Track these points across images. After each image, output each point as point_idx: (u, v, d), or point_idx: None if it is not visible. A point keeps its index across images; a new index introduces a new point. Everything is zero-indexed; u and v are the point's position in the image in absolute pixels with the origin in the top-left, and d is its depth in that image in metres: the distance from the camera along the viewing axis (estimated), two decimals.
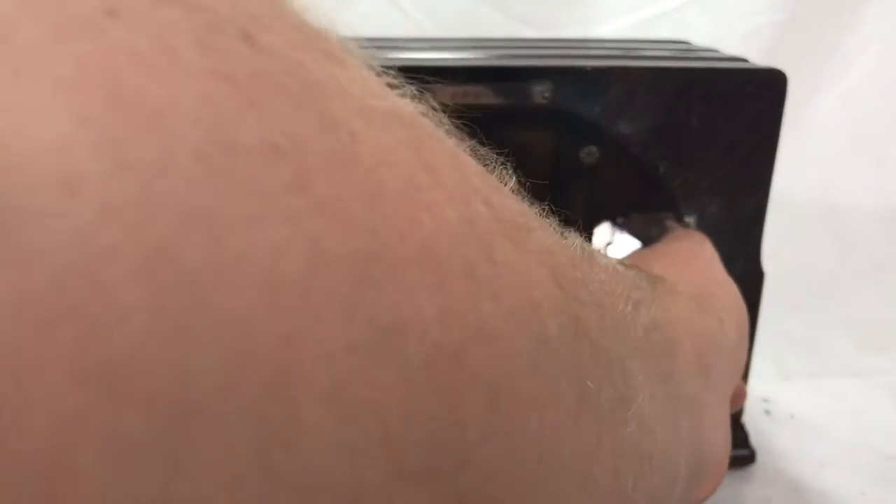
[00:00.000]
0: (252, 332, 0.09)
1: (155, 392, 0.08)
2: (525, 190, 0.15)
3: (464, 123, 0.15)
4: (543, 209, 0.16)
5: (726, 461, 0.25)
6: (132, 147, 0.08)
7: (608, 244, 0.34)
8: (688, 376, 0.21)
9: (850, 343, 0.47)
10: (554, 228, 0.16)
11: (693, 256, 0.29)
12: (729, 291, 0.27)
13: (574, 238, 0.16)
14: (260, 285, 0.09)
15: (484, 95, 0.29)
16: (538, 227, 0.15)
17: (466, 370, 0.11)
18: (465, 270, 0.11)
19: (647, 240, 0.33)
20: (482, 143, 0.15)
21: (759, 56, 0.35)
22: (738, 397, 0.28)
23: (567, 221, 0.16)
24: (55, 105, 0.08)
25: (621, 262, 0.21)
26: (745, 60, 0.33)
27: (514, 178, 0.15)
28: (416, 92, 0.14)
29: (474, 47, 0.36)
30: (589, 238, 0.33)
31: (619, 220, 0.33)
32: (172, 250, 0.08)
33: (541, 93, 0.29)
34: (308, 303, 0.09)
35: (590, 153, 0.31)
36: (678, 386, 0.20)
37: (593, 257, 0.17)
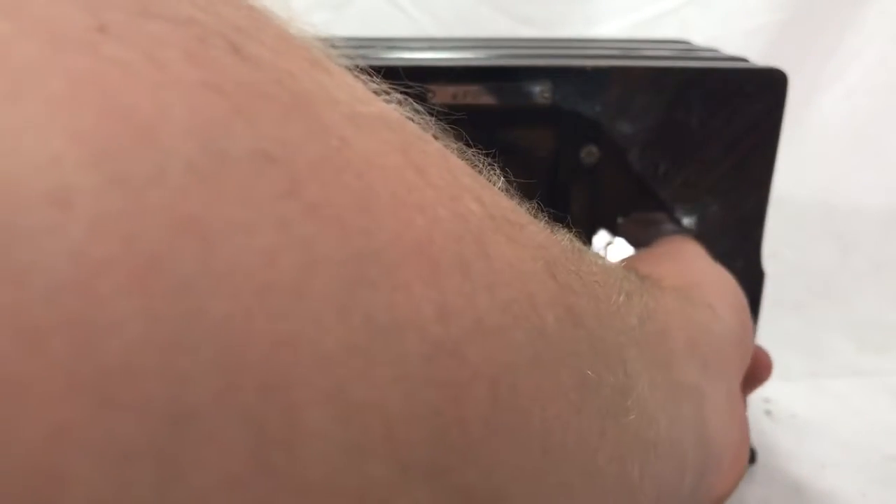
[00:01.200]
0: (247, 337, 0.09)
1: (149, 399, 0.08)
2: (517, 190, 0.15)
3: (455, 125, 0.15)
4: (533, 207, 0.16)
5: (745, 449, 0.24)
6: (124, 160, 0.08)
7: (608, 244, 0.34)
8: (685, 364, 0.21)
9: (851, 343, 0.47)
10: (544, 224, 0.16)
11: (675, 254, 0.29)
12: (717, 278, 0.27)
13: (563, 234, 0.17)
14: (254, 291, 0.09)
15: (484, 95, 0.29)
16: (529, 222, 0.15)
17: (467, 365, 0.11)
18: (460, 266, 0.12)
19: (645, 241, 0.33)
20: (469, 145, 0.15)
21: (759, 56, 0.35)
22: (763, 370, 0.28)
23: (562, 223, 0.17)
24: (48, 122, 0.08)
25: (607, 259, 0.21)
26: (745, 60, 0.33)
27: (501, 179, 0.15)
28: (400, 97, 0.14)
29: (474, 47, 0.36)
30: (589, 238, 0.33)
31: (620, 220, 0.33)
32: (165, 260, 0.08)
33: (541, 93, 0.29)
34: (303, 306, 0.09)
35: (590, 153, 0.31)
36: (677, 374, 0.20)
37: (582, 252, 0.17)
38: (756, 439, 0.37)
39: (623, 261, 0.29)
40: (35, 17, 0.09)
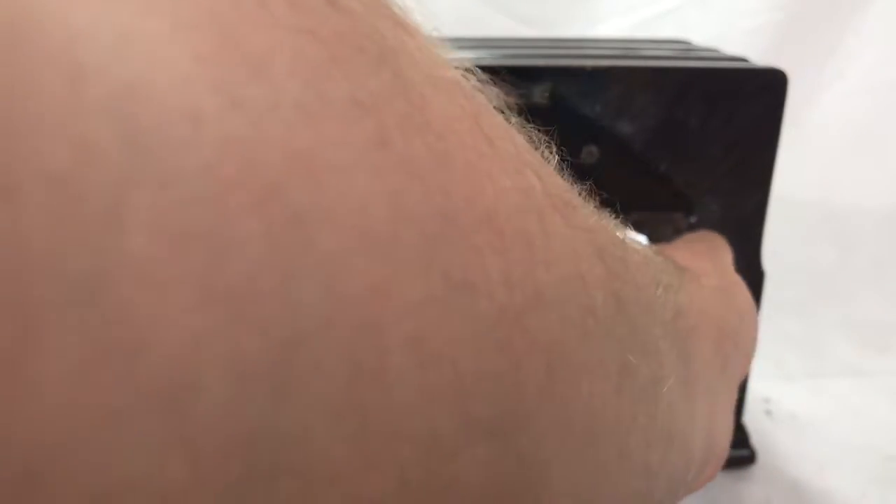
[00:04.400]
0: (349, 275, 0.09)
1: (268, 320, 0.08)
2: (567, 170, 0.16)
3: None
4: (584, 189, 0.16)
5: (727, 451, 0.25)
6: (243, 88, 0.09)
7: None
8: (706, 364, 0.21)
9: (851, 343, 0.47)
10: (594, 208, 0.16)
11: (715, 254, 0.29)
12: (745, 292, 0.27)
13: (610, 220, 0.17)
14: (354, 231, 0.09)
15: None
16: (581, 204, 0.15)
17: (527, 333, 0.12)
18: (522, 238, 0.12)
19: (650, 238, 0.33)
20: (528, 120, 0.15)
21: (759, 56, 0.35)
22: None
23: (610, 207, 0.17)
24: (176, 42, 0.08)
25: (650, 247, 0.21)
26: (745, 60, 0.33)
27: (556, 157, 0.15)
28: (468, 66, 0.14)
29: (474, 47, 0.36)
30: None
31: (620, 219, 0.33)
32: (282, 189, 0.08)
33: (541, 93, 0.29)
34: (393, 253, 0.10)
35: (590, 153, 0.31)
36: (697, 372, 0.20)
37: (626, 240, 0.17)
38: (756, 439, 0.37)
39: (662, 247, 0.29)
40: None
